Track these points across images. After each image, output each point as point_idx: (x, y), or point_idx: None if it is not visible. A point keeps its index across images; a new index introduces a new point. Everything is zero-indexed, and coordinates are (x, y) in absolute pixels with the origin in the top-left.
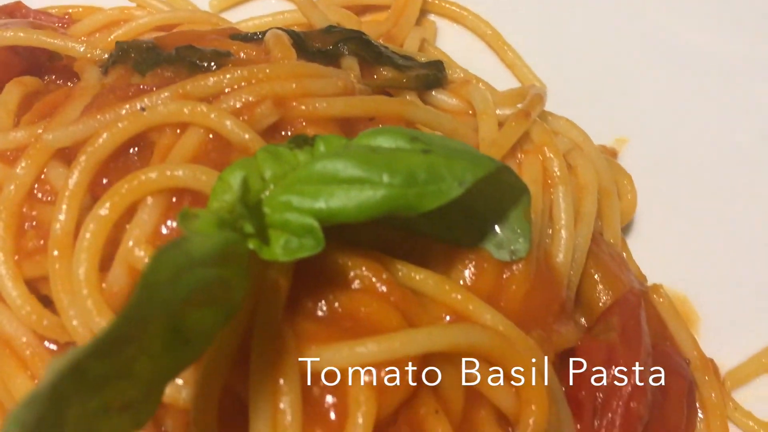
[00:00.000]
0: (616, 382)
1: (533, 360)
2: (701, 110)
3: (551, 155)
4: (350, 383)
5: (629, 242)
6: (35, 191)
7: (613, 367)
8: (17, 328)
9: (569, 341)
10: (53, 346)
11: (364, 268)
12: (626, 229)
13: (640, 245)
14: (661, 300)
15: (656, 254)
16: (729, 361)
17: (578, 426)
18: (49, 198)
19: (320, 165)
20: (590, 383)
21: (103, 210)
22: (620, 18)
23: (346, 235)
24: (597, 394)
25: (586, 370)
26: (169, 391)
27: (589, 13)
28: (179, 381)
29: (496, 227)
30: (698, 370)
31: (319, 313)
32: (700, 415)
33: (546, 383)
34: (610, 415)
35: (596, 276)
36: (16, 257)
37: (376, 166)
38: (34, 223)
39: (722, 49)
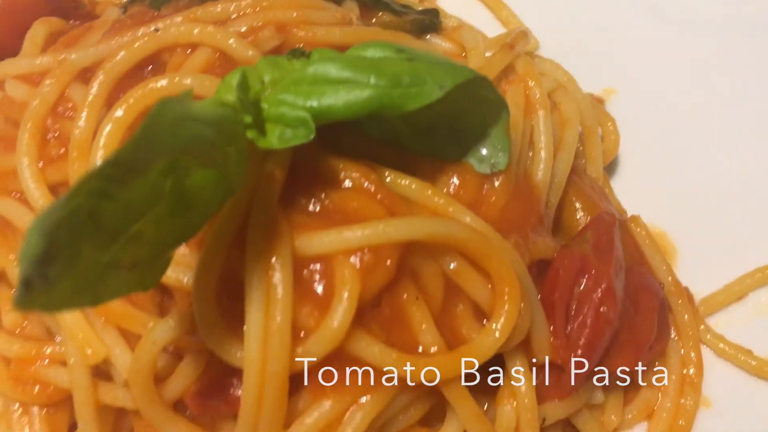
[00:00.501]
0: (587, 289)
1: (508, 258)
2: (684, 64)
3: (533, 84)
4: (337, 265)
5: (611, 182)
6: (58, 108)
7: (585, 275)
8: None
9: (545, 252)
10: None
11: (354, 171)
12: (609, 168)
13: (622, 184)
14: (638, 230)
15: (637, 192)
16: (703, 292)
17: (551, 327)
18: (70, 114)
19: (313, 68)
20: (563, 288)
21: (119, 112)
22: None
23: (341, 150)
24: (570, 300)
25: (560, 277)
26: (171, 273)
27: None
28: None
29: (478, 143)
30: (672, 295)
31: (311, 208)
32: (673, 336)
33: (519, 281)
34: (581, 317)
35: (577, 204)
36: (41, 164)
37: (364, 69)
38: (57, 134)
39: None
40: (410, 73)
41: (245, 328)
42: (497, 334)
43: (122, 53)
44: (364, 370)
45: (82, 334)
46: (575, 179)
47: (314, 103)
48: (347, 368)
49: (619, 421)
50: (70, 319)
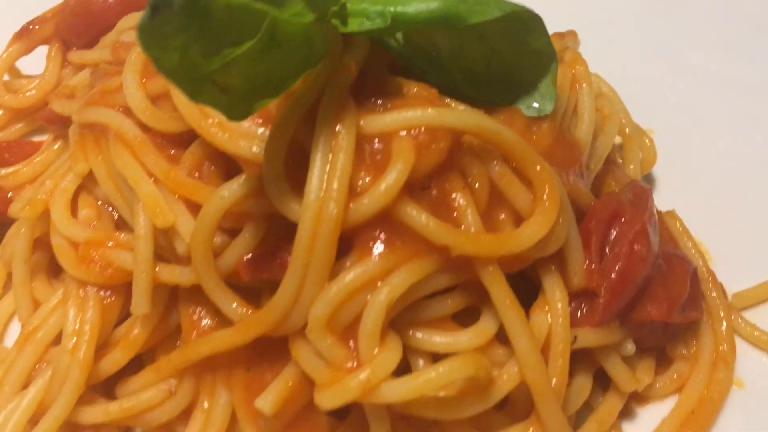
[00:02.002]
0: (622, 229)
1: (550, 170)
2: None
3: (580, 67)
4: (395, 140)
5: None
6: None
7: (621, 218)
8: (131, 128)
9: (582, 196)
10: None
11: (416, 86)
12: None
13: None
14: (674, 222)
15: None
16: (736, 290)
17: (587, 260)
18: None
19: None
20: (599, 223)
21: None
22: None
23: None
24: (606, 235)
25: (596, 215)
26: (243, 144)
27: None
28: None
29: (528, 93)
30: (704, 281)
31: (378, 103)
32: (705, 319)
33: (559, 188)
34: (616, 250)
35: (614, 187)
36: (144, 80)
37: None
38: None
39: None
40: None
41: (306, 184)
42: (536, 227)
43: None
44: (409, 238)
45: (155, 202)
46: (615, 170)
47: (389, 8)
48: (394, 235)
49: (649, 380)
50: (145, 190)
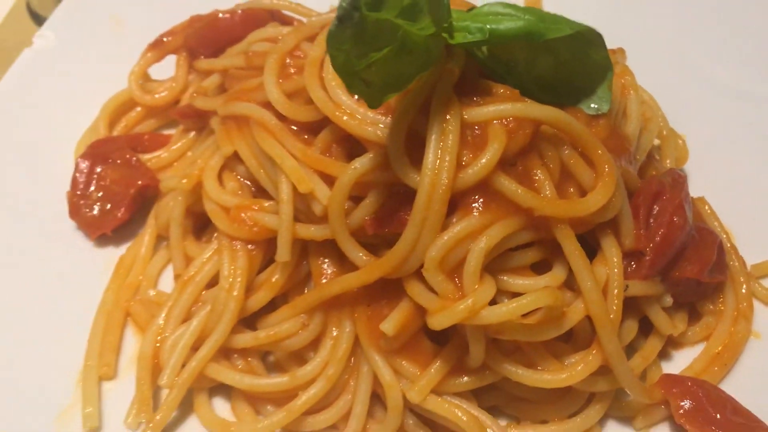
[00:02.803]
0: (663, 204)
1: (608, 156)
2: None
3: (629, 78)
4: (491, 127)
5: None
6: (294, 52)
7: (663, 196)
8: (270, 118)
9: (631, 179)
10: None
11: (501, 89)
12: None
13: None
14: (704, 207)
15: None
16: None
17: (636, 227)
18: (299, 54)
19: (487, 7)
20: (645, 199)
21: None
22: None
23: None
24: (650, 208)
25: (642, 193)
26: (370, 129)
27: None
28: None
29: (588, 96)
30: (728, 252)
31: (474, 99)
32: (728, 283)
33: (616, 168)
34: (659, 220)
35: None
36: (280, 80)
37: (520, 10)
38: (291, 63)
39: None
40: (551, 16)
41: (423, 159)
42: (599, 196)
43: None
44: (501, 202)
45: (297, 174)
46: (655, 163)
47: (486, 26)
48: (490, 199)
49: (683, 328)
50: (289, 164)
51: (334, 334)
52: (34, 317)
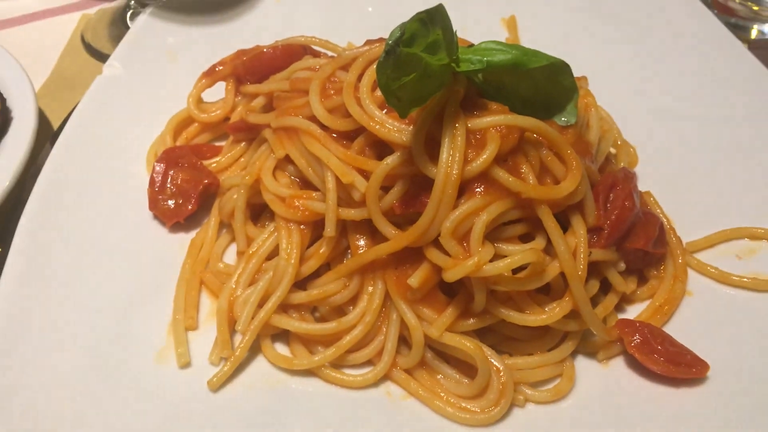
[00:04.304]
0: (617, 192)
1: (575, 155)
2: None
3: (590, 99)
4: (488, 132)
5: None
6: (331, 78)
7: (617, 186)
8: (316, 128)
9: (592, 172)
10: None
11: (494, 105)
12: None
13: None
14: (650, 197)
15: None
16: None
17: (596, 209)
18: (335, 80)
19: (483, 44)
20: (602, 188)
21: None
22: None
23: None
24: (607, 196)
25: (600, 185)
26: (396, 133)
27: None
28: (404, 127)
29: (559, 111)
30: (667, 232)
31: (474, 112)
32: (668, 255)
33: (582, 164)
34: (613, 203)
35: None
36: (322, 99)
37: (508, 47)
38: (330, 89)
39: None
40: (531, 51)
41: (439, 156)
42: (569, 184)
43: (365, 53)
44: (497, 188)
45: (341, 169)
46: (611, 165)
47: (483, 58)
48: (489, 185)
49: (634, 288)
50: (333, 162)
51: (370, 290)
52: (129, 285)
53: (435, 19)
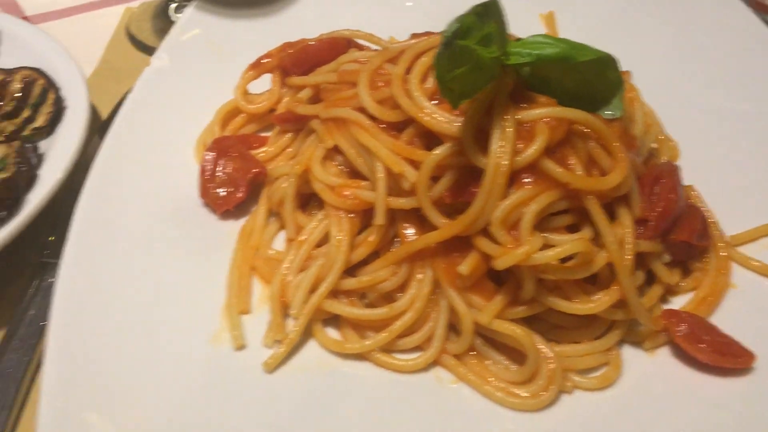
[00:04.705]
0: (661, 185)
1: (622, 147)
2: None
3: (634, 93)
4: (538, 125)
5: None
6: (379, 71)
7: (661, 179)
8: (365, 119)
9: (637, 165)
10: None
11: (542, 98)
12: None
13: None
14: (692, 191)
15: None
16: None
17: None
18: (383, 72)
19: (532, 38)
20: (647, 180)
21: (424, 58)
22: None
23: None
24: (652, 188)
25: (645, 177)
26: (446, 125)
27: None
28: (454, 118)
29: (605, 104)
30: (711, 225)
31: (522, 105)
32: (711, 247)
33: (628, 157)
34: (659, 195)
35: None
36: (370, 91)
37: (557, 40)
38: (378, 81)
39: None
40: (579, 44)
41: (490, 147)
42: (616, 175)
43: (412, 46)
44: (545, 178)
45: (391, 159)
46: (654, 159)
47: (533, 51)
48: (537, 176)
49: (678, 279)
50: (383, 152)
51: (419, 278)
52: (183, 271)
53: (490, 13)
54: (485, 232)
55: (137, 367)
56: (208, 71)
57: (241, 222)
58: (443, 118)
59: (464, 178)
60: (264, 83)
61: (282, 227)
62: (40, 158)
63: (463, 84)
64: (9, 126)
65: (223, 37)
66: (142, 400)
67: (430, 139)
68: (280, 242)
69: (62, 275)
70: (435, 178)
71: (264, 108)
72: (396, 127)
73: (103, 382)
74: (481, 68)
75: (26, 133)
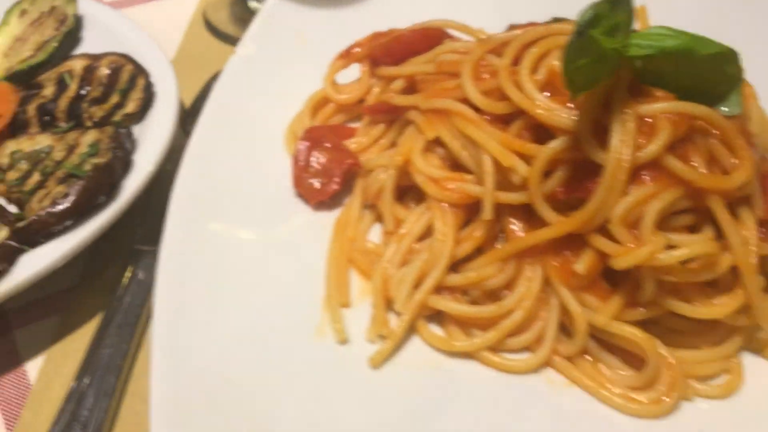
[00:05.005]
0: None
1: (746, 144)
2: None
3: (750, 89)
4: (659, 119)
5: None
6: (481, 62)
7: None
8: (470, 111)
9: (758, 164)
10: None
11: (659, 92)
12: None
13: None
14: None
15: None
16: None
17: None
18: (485, 64)
19: (652, 29)
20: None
21: (534, 49)
22: None
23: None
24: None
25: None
26: (559, 119)
27: None
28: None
29: (723, 100)
30: None
31: (639, 99)
32: None
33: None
34: None
35: None
36: (474, 82)
37: (679, 31)
38: (482, 71)
39: None
40: (699, 37)
41: (610, 142)
42: (742, 174)
43: (519, 37)
44: (667, 175)
45: (501, 152)
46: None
47: (654, 43)
48: (659, 173)
49: None
50: (491, 145)
51: (528, 275)
52: (280, 263)
53: (622, 2)
54: (602, 229)
55: (245, 356)
56: (293, 60)
57: (334, 213)
58: (557, 110)
59: (578, 173)
60: (350, 73)
61: (377, 219)
62: (133, 144)
63: (585, 75)
64: (98, 111)
65: (307, 26)
66: (250, 395)
67: (538, 132)
68: (374, 235)
69: (161, 270)
70: (545, 173)
71: (353, 98)
72: (501, 120)
73: (210, 377)
74: (603, 60)
75: (117, 118)
